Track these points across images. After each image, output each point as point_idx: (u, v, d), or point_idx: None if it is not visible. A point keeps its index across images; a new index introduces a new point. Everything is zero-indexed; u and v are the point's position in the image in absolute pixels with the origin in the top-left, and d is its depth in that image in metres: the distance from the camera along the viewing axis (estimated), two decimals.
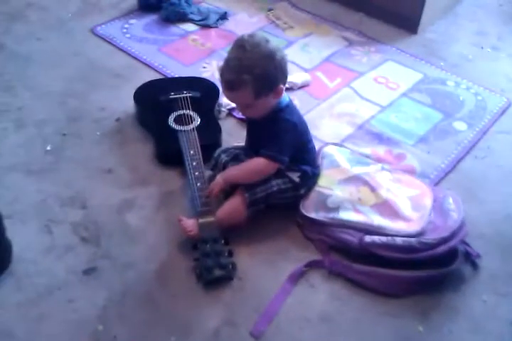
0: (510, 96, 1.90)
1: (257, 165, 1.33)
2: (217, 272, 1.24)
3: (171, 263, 1.33)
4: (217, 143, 1.58)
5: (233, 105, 1.75)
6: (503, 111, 1.84)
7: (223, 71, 1.25)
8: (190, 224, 1.31)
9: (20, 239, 1.32)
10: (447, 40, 2.19)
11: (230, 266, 1.25)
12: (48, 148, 1.63)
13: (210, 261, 1.24)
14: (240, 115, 1.71)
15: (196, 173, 1.41)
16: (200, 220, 1.31)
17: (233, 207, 1.33)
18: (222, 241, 1.28)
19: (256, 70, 1.21)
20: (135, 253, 1.35)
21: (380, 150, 1.65)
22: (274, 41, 1.97)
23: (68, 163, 1.58)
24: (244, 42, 1.23)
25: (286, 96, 1.35)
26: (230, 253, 1.27)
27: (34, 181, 1.52)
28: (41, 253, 1.34)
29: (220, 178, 1.35)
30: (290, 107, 1.36)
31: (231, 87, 1.25)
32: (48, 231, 1.39)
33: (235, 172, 1.36)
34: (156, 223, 1.42)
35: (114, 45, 2.06)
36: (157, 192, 1.50)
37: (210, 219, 1.32)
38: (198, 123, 1.58)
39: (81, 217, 1.43)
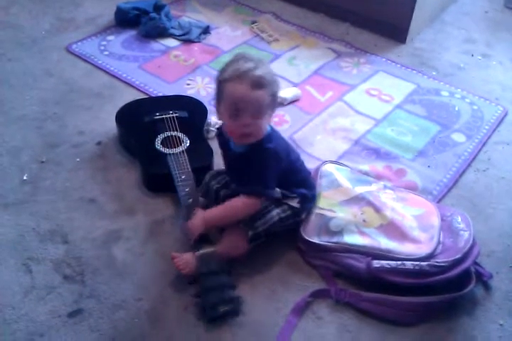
0: (505, 104, 1.86)
1: (238, 206, 1.20)
2: (223, 308, 1.14)
3: (164, 301, 1.22)
4: (209, 166, 1.49)
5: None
6: (500, 121, 1.79)
7: (242, 70, 1.09)
8: (184, 260, 1.20)
9: None
10: (437, 48, 2.15)
11: (236, 301, 1.15)
12: (25, 177, 1.52)
13: (213, 296, 1.14)
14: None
15: (190, 200, 1.31)
16: (199, 252, 1.21)
17: (234, 243, 1.23)
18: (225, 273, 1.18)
19: (274, 85, 1.14)
20: (124, 290, 1.24)
21: (379, 167, 1.58)
22: (260, 55, 1.98)
23: (47, 194, 1.48)
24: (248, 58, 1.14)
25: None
26: (234, 286, 1.18)
27: (10, 215, 1.41)
28: (20, 295, 1.23)
29: (199, 222, 1.22)
30: (269, 134, 1.22)
31: (258, 84, 1.09)
32: (27, 271, 1.28)
33: (217, 215, 1.24)
34: (145, 256, 1.32)
35: (91, 64, 1.97)
36: (145, 222, 1.40)
37: (210, 249, 1.22)
38: (188, 145, 1.49)
39: (63, 253, 1.32)
